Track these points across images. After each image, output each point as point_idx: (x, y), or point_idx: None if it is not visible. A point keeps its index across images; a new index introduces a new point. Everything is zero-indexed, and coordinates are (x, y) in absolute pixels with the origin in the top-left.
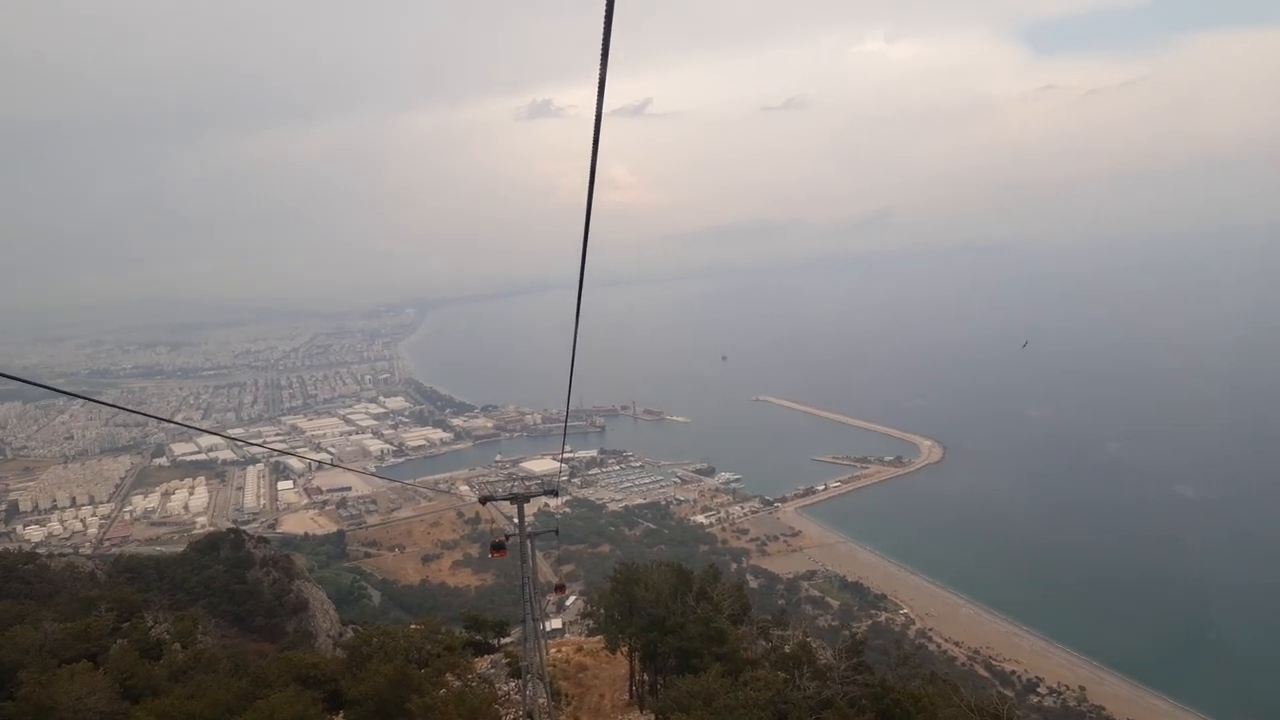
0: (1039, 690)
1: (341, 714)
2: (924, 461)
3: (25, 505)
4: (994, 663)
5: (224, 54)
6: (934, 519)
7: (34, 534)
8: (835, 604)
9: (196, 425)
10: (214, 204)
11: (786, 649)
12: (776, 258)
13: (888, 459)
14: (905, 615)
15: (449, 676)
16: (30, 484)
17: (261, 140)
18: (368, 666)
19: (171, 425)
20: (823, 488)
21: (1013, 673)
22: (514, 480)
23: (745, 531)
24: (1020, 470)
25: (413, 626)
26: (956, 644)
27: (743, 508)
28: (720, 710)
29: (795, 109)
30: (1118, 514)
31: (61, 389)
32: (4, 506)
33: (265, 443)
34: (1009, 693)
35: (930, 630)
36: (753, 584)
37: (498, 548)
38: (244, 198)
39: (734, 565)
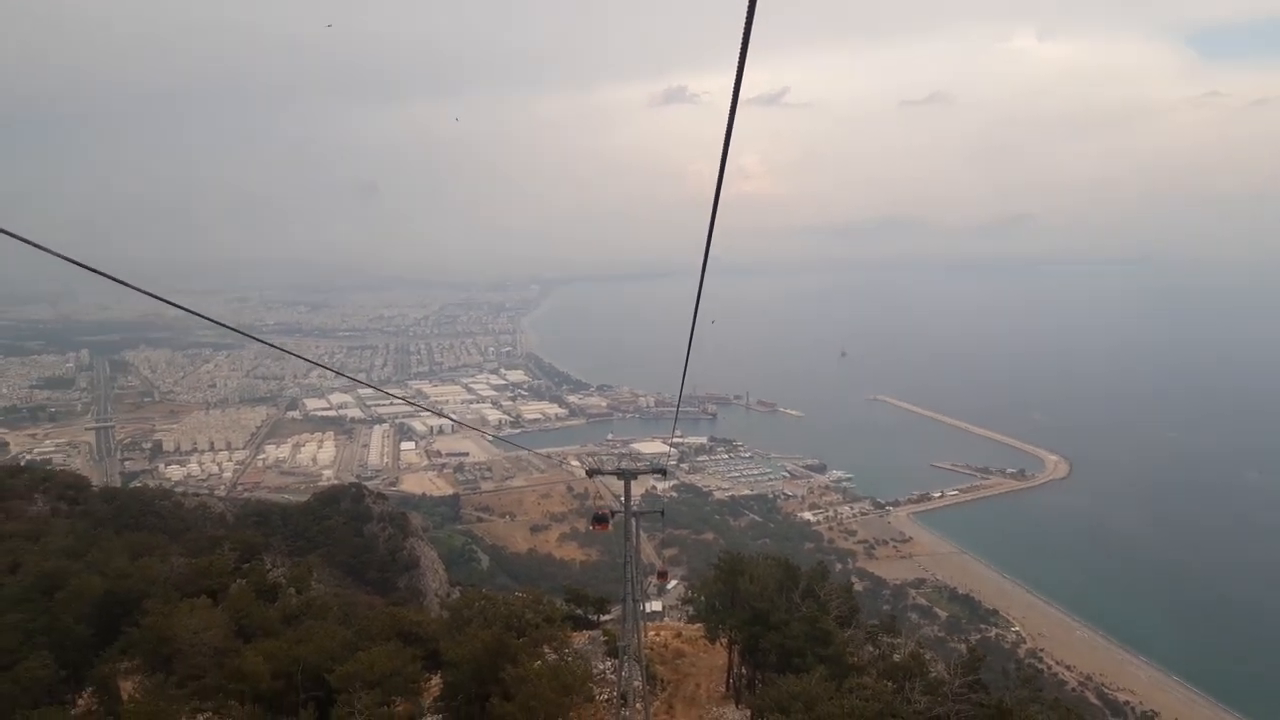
0: None
1: (439, 674)
2: (1048, 476)
3: (169, 446)
4: (1107, 691)
5: (368, 29)
6: (1055, 537)
7: (174, 473)
8: (943, 615)
9: (398, 393)
10: (355, 172)
11: (896, 658)
12: (903, 256)
13: (1010, 471)
14: (1016, 633)
15: (546, 648)
16: (174, 426)
17: (402, 113)
18: (467, 630)
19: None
20: (939, 495)
21: (1126, 703)
22: (623, 459)
23: (853, 533)
24: (1151, 494)
25: (516, 594)
26: (1068, 668)
27: (852, 508)
28: (823, 717)
29: (937, 104)
30: (1254, 548)
31: (263, 339)
32: (149, 446)
33: (436, 407)
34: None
35: (1041, 651)
36: (857, 587)
37: (600, 520)
38: (384, 167)
39: (839, 566)
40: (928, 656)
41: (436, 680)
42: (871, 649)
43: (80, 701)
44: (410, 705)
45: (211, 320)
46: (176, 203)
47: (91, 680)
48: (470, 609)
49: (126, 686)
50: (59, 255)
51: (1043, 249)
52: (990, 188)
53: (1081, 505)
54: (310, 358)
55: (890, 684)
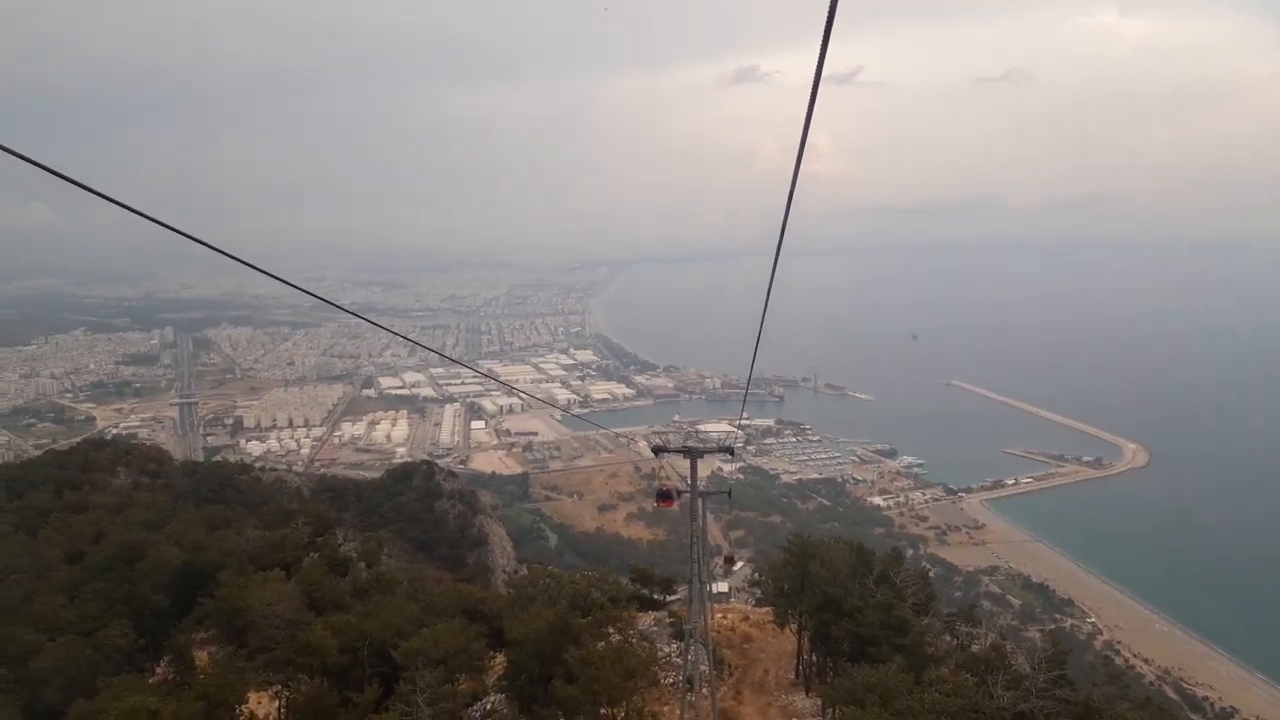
0: None
1: (503, 652)
2: (1127, 465)
3: (249, 422)
4: (1185, 686)
5: (434, 11)
6: (1133, 527)
7: (255, 449)
8: (1017, 603)
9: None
10: (430, 155)
11: (975, 648)
12: (975, 237)
13: (1086, 459)
14: (1092, 624)
15: (610, 629)
16: (255, 403)
17: (474, 99)
18: (530, 609)
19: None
20: (1012, 482)
21: (1205, 699)
22: (689, 439)
23: (925, 519)
24: (1235, 484)
25: (582, 573)
26: (1146, 661)
27: (924, 494)
28: (902, 712)
29: (1013, 82)
30: None
31: (368, 318)
32: (231, 421)
33: (515, 385)
34: (1197, 719)
35: (1118, 643)
36: (929, 573)
37: (664, 497)
38: (456, 152)
39: (910, 552)
40: (1008, 648)
41: (501, 658)
42: (949, 639)
43: (158, 670)
44: (475, 683)
45: (329, 302)
46: (251, 184)
47: (168, 649)
48: (535, 587)
49: (201, 656)
50: (199, 241)
51: (1124, 230)
52: (1068, 167)
53: (1161, 495)
54: (420, 342)
55: (971, 677)
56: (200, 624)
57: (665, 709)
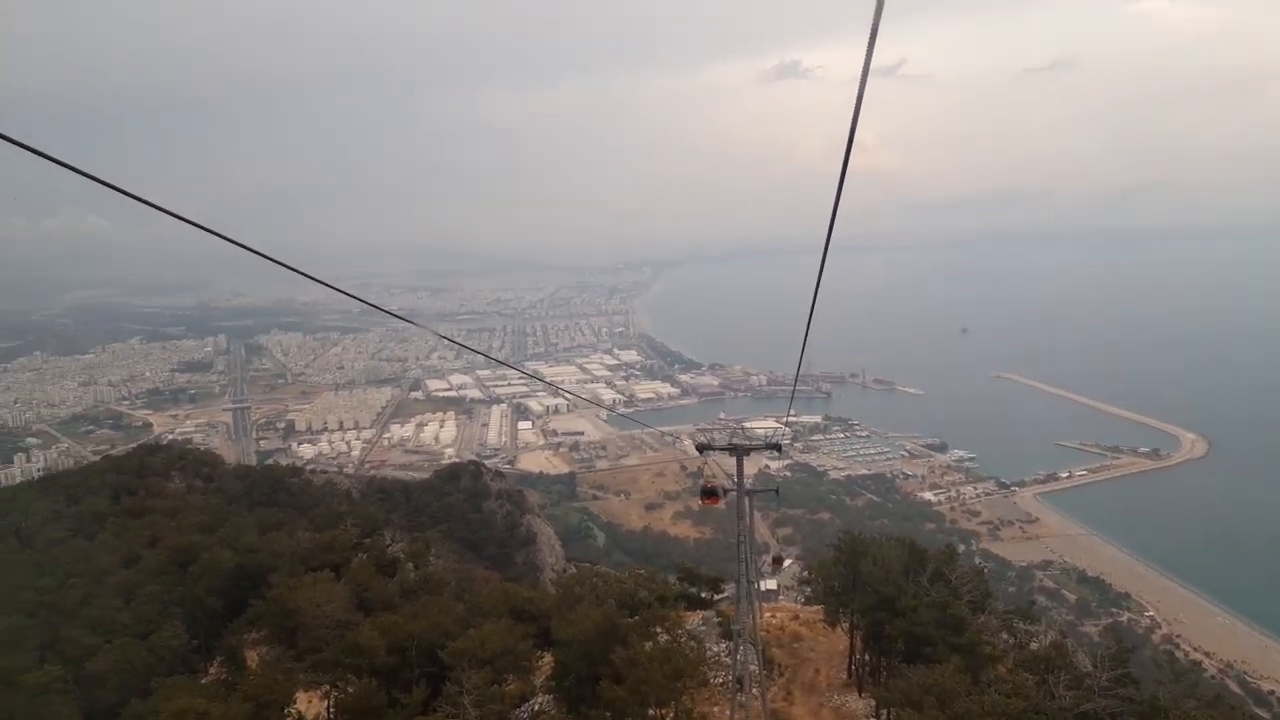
0: None
1: (551, 653)
2: (1185, 456)
3: (301, 425)
4: (1249, 679)
5: (476, 12)
6: (1192, 519)
7: (306, 451)
8: (1072, 598)
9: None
10: (469, 157)
11: (1034, 646)
12: (1024, 230)
13: (1143, 450)
14: (1150, 618)
15: (658, 629)
16: (306, 407)
17: (513, 98)
18: (578, 609)
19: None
20: (1066, 475)
21: (1270, 692)
22: (735, 436)
23: (976, 513)
24: None
25: (630, 572)
26: (1207, 654)
27: (975, 488)
28: (960, 715)
29: (1061, 71)
30: None
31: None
32: (283, 425)
33: (563, 387)
34: (1265, 714)
35: (1178, 637)
36: (983, 570)
37: (709, 494)
38: (497, 152)
39: (962, 547)
40: (1069, 646)
41: (548, 659)
42: (1007, 637)
43: (210, 670)
44: (522, 684)
45: (377, 307)
46: (293, 189)
47: (221, 650)
48: (582, 586)
49: (253, 657)
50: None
51: (1171, 222)
52: (1118, 157)
53: (1221, 486)
54: (467, 344)
55: (1031, 677)
56: (252, 625)
57: (715, 709)
